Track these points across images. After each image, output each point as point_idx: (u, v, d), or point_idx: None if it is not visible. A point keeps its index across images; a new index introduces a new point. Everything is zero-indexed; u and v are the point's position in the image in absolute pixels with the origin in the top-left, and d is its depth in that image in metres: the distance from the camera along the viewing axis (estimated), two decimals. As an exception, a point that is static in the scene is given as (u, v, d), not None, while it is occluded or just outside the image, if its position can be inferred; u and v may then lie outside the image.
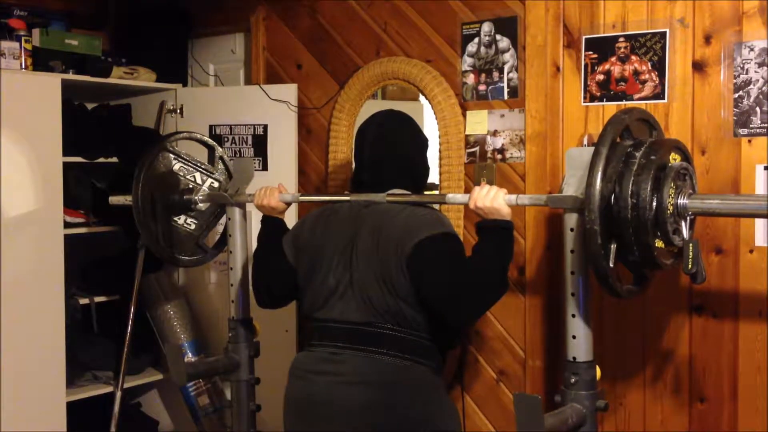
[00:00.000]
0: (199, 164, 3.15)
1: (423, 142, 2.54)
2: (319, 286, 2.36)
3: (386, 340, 2.26)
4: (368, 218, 2.34)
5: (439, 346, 2.34)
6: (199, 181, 3.14)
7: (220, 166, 3.21)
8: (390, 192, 2.39)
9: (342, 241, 2.34)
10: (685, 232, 2.07)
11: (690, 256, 2.02)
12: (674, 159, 2.12)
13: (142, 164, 2.99)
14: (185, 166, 3.12)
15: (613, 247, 2.04)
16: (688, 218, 2.07)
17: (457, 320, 2.25)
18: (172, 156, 3.09)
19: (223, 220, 3.08)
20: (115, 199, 3.18)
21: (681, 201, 2.05)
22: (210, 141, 3.27)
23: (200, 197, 3.09)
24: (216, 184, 3.16)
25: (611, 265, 2.04)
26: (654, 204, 2.01)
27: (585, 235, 2.02)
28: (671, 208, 2.03)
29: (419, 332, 2.28)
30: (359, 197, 2.42)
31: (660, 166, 2.04)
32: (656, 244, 2.04)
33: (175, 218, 3.08)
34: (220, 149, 3.25)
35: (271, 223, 2.62)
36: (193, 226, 3.12)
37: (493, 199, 2.23)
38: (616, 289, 2.09)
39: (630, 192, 2.01)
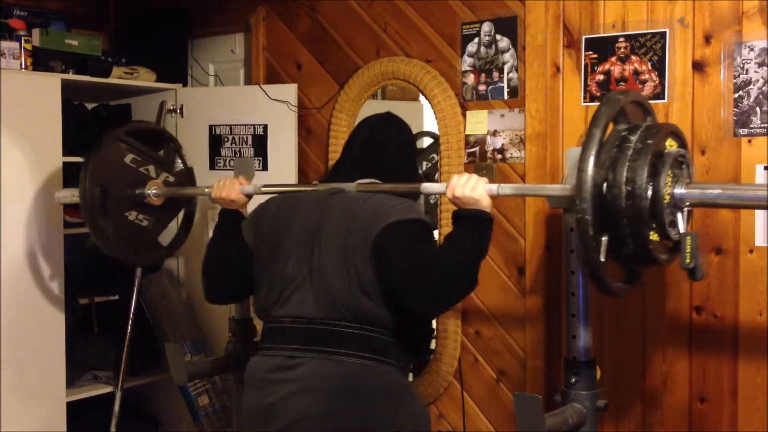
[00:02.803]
0: (153, 156, 2.95)
1: (409, 145, 2.46)
2: (276, 277, 2.19)
3: (346, 339, 2.10)
4: (336, 204, 2.19)
5: (404, 345, 2.18)
6: (153, 174, 2.94)
7: (177, 158, 3.03)
8: (360, 181, 2.26)
9: (306, 228, 2.19)
10: (681, 224, 1.92)
11: (688, 250, 1.89)
12: (671, 145, 1.97)
13: (90, 156, 2.80)
14: (138, 158, 2.91)
15: (604, 239, 1.87)
16: (685, 209, 1.92)
17: (418, 311, 2.08)
18: (124, 147, 2.88)
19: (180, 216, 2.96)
20: (60, 195, 2.97)
21: (678, 190, 1.90)
22: (167, 132, 3.09)
23: (154, 191, 2.90)
24: (172, 179, 2.98)
25: (602, 258, 1.87)
26: (650, 192, 1.85)
27: (576, 225, 1.86)
28: (668, 197, 1.88)
29: (381, 329, 2.12)
30: (327, 186, 2.29)
31: (657, 153, 1.89)
32: (651, 237, 1.89)
33: (126, 213, 2.87)
34: (178, 141, 3.08)
35: (230, 215, 2.45)
36: (145, 222, 2.91)
37: (473, 188, 2.09)
38: (607, 286, 1.95)
39: (625, 179, 1.85)
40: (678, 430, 2.66)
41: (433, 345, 3.31)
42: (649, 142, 1.88)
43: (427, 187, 2.23)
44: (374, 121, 2.48)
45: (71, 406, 3.45)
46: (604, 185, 1.86)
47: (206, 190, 2.64)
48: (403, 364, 2.20)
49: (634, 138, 1.90)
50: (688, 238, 1.89)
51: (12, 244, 3.21)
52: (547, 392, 2.87)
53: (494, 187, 2.11)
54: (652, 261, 1.96)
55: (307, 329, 2.13)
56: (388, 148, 2.37)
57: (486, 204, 2.10)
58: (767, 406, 2.49)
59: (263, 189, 2.47)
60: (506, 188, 2.13)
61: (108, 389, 3.64)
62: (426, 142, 3.70)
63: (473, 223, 2.10)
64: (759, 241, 2.49)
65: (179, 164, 3.05)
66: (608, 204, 1.86)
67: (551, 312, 2.91)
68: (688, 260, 1.89)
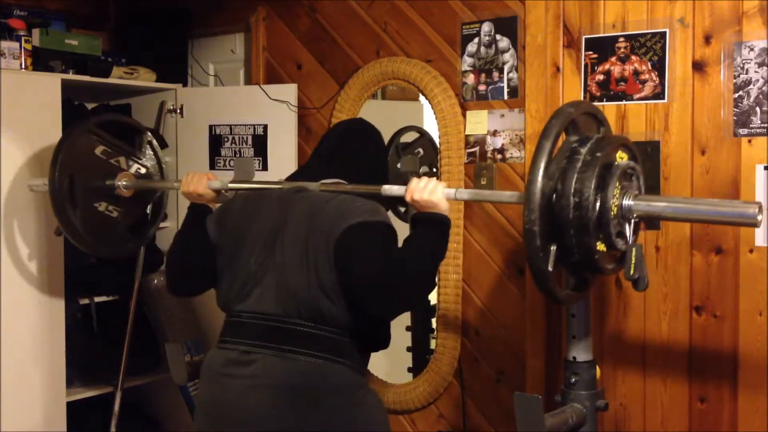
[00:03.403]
0: (124, 148, 2.96)
1: (378, 149, 2.49)
2: (238, 270, 2.22)
3: (300, 338, 2.12)
4: (300, 202, 2.22)
5: (360, 345, 2.20)
6: (123, 165, 2.95)
7: (149, 151, 3.03)
8: (324, 181, 2.29)
9: (269, 224, 2.21)
10: (629, 236, 1.95)
11: (633, 261, 1.92)
12: (621, 158, 2.00)
13: (60, 144, 2.81)
14: (108, 149, 2.91)
15: (553, 248, 1.90)
16: (632, 221, 1.96)
17: (375, 312, 2.09)
18: (95, 138, 2.89)
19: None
20: (33, 183, 2.99)
21: (626, 202, 1.94)
22: (139, 124, 3.08)
23: (123, 183, 2.90)
24: (143, 170, 2.99)
25: (550, 268, 1.90)
26: (597, 204, 1.89)
27: (524, 234, 1.89)
28: (615, 209, 1.91)
29: (337, 329, 2.13)
30: (292, 184, 2.31)
31: (605, 165, 1.92)
32: (598, 247, 1.92)
33: (95, 204, 2.88)
34: (149, 134, 3.09)
35: (198, 210, 2.45)
36: (115, 214, 2.92)
37: (431, 192, 2.12)
38: (554, 294, 1.97)
39: (573, 190, 1.88)
40: (678, 430, 2.66)
41: (433, 345, 3.31)
42: (598, 154, 1.91)
43: (387, 189, 2.24)
44: (345, 125, 2.56)
45: (71, 406, 3.45)
46: (553, 196, 1.89)
47: (175, 183, 2.66)
48: (359, 364, 2.22)
49: (583, 150, 1.92)
50: (633, 249, 1.92)
51: (12, 243, 3.21)
52: (547, 392, 2.87)
53: (452, 192, 2.15)
54: (599, 270, 1.99)
55: (264, 325, 2.15)
56: (356, 151, 2.40)
57: (444, 207, 2.13)
58: (767, 406, 2.49)
59: (230, 185, 2.50)
60: (463, 193, 2.18)
61: (108, 389, 3.64)
62: (411, 137, 3.70)
63: (431, 227, 2.13)
64: (759, 241, 2.50)
65: (152, 156, 3.07)
66: (556, 214, 1.89)
67: (551, 312, 2.91)
68: (632, 271, 1.93)
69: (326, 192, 2.24)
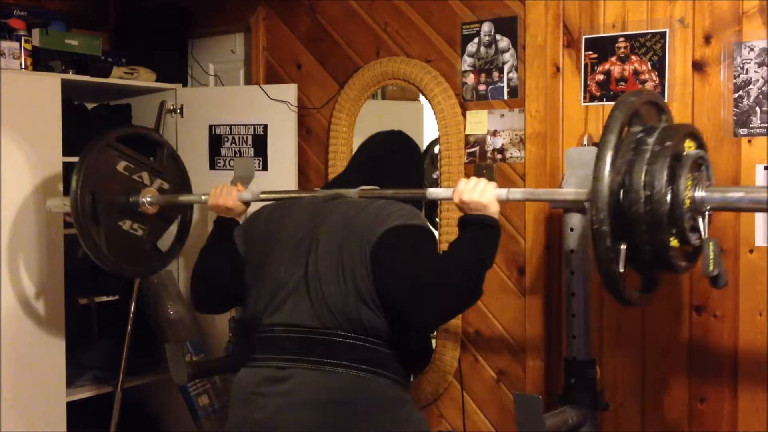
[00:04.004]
0: (147, 163, 2.86)
1: (416, 158, 2.42)
2: (267, 281, 2.09)
3: (339, 350, 1.99)
4: (335, 209, 2.10)
5: (402, 357, 2.07)
6: (147, 181, 2.84)
7: (171, 165, 2.94)
8: (363, 187, 2.20)
9: (300, 232, 2.09)
10: (702, 230, 1.83)
11: (711, 257, 1.79)
12: (689, 147, 1.88)
13: (81, 162, 2.69)
14: (131, 165, 2.80)
15: (623, 248, 1.78)
16: (706, 214, 1.83)
17: (417, 322, 1.95)
18: (116, 153, 2.78)
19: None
20: (51, 203, 2.89)
21: (699, 194, 1.80)
22: (159, 137, 2.99)
23: (148, 199, 2.79)
24: (166, 185, 2.89)
25: (621, 269, 1.78)
26: (669, 197, 1.76)
27: (592, 236, 1.75)
28: (688, 201, 1.78)
29: (378, 340, 2.01)
30: (327, 192, 2.22)
31: (675, 155, 1.79)
32: (671, 243, 1.80)
33: (120, 223, 2.76)
34: (171, 147, 3.01)
35: (225, 224, 2.36)
36: (140, 232, 2.81)
37: (481, 193, 2.00)
38: (626, 297, 1.86)
39: (643, 183, 1.75)
40: (678, 430, 2.66)
41: (433, 345, 3.31)
42: (668, 144, 1.78)
43: (432, 192, 2.15)
44: (383, 135, 2.45)
45: (71, 406, 3.45)
46: (621, 191, 1.77)
47: (203, 197, 2.56)
48: (402, 377, 2.09)
49: (651, 140, 1.80)
50: (711, 244, 1.81)
51: (12, 244, 3.21)
52: (547, 392, 2.87)
53: (503, 192, 2.03)
54: (672, 268, 1.87)
55: (299, 338, 2.03)
56: (393, 159, 2.32)
57: (494, 210, 2.02)
58: (767, 406, 2.49)
59: (262, 195, 2.39)
60: (516, 193, 2.05)
61: (108, 389, 3.64)
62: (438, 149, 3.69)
63: (480, 230, 2.01)
64: (759, 241, 2.49)
65: (174, 170, 2.95)
66: (625, 210, 1.76)
67: (551, 312, 2.91)
68: (711, 267, 1.81)
69: (363, 198, 2.13)
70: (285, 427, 1.99)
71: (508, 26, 3.00)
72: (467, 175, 3.09)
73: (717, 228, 2.55)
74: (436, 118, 3.17)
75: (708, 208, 1.82)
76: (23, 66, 3.37)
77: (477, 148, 3.08)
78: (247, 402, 2.08)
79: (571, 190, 1.99)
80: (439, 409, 3.23)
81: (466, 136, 3.11)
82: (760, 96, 2.48)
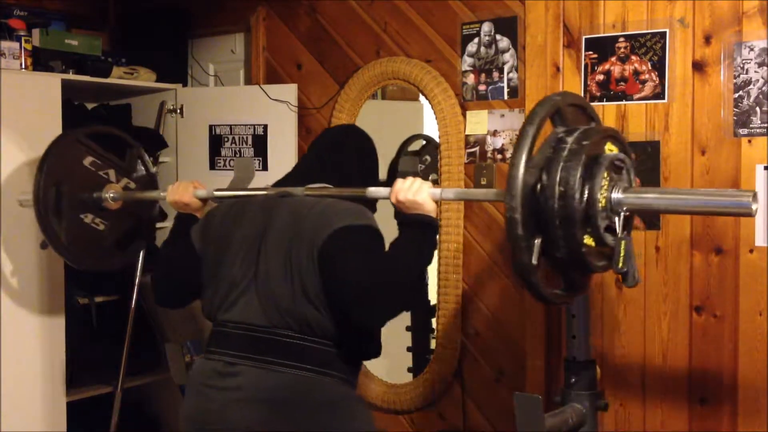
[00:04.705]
0: (114, 162, 2.91)
1: (368, 154, 2.41)
2: (222, 280, 2.15)
3: (286, 349, 2.04)
4: (284, 207, 2.14)
5: (349, 355, 2.11)
6: (113, 178, 2.89)
7: (139, 166, 3.00)
8: (310, 186, 2.23)
9: (252, 231, 2.14)
10: (618, 230, 1.85)
11: (621, 254, 1.83)
12: (610, 150, 1.91)
13: (47, 153, 2.76)
14: (98, 161, 2.85)
15: (537, 241, 1.81)
16: (622, 215, 1.86)
17: (361, 320, 1.99)
18: (84, 148, 2.84)
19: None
20: (22, 198, 2.92)
21: (615, 195, 1.84)
22: (129, 138, 3.05)
23: (111, 194, 2.84)
24: (132, 185, 2.95)
25: (534, 261, 1.80)
26: (585, 195, 1.79)
27: (506, 224, 1.79)
28: (604, 201, 1.82)
29: (324, 339, 2.06)
30: (277, 190, 2.26)
31: (593, 155, 1.83)
32: (585, 241, 1.83)
33: (81, 216, 2.81)
34: (140, 149, 3.06)
35: (184, 220, 2.41)
36: (101, 227, 2.86)
37: (416, 192, 2.04)
38: (539, 290, 1.87)
39: (558, 179, 1.79)
40: (678, 430, 2.66)
41: (432, 344, 3.31)
42: (585, 143, 1.83)
43: (372, 191, 2.18)
44: (335, 131, 2.51)
45: (71, 406, 3.45)
46: (538, 186, 1.81)
47: (162, 194, 2.63)
48: (348, 375, 2.12)
49: (570, 139, 1.84)
50: (623, 242, 1.84)
51: (12, 243, 3.21)
52: (547, 392, 2.87)
53: (437, 192, 2.08)
54: (587, 267, 1.90)
55: (248, 336, 2.09)
56: (345, 156, 2.34)
57: (430, 208, 2.06)
58: (767, 406, 2.49)
59: (216, 193, 2.44)
60: (449, 192, 2.12)
61: (108, 389, 3.64)
62: (419, 145, 3.70)
63: (417, 229, 2.05)
64: (759, 241, 2.50)
65: (142, 171, 3.02)
66: (541, 205, 1.81)
67: (551, 312, 2.91)
68: (620, 264, 1.84)
69: (311, 197, 2.18)
70: (232, 421, 2.05)
71: (508, 26, 3.00)
72: (467, 175, 3.09)
73: (717, 228, 2.56)
74: (436, 118, 3.17)
75: (624, 209, 1.85)
76: (23, 66, 3.37)
77: (477, 148, 3.08)
78: (199, 393, 2.15)
79: (495, 189, 2.04)
80: (439, 409, 3.23)
81: (466, 136, 3.11)
82: (760, 96, 2.48)
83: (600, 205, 1.81)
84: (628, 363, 2.75)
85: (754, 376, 2.52)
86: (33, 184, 2.74)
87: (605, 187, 1.83)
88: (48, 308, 3.33)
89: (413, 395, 3.27)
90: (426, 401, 3.24)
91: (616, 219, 1.85)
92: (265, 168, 3.60)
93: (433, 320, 3.29)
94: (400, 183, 2.08)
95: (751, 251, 2.51)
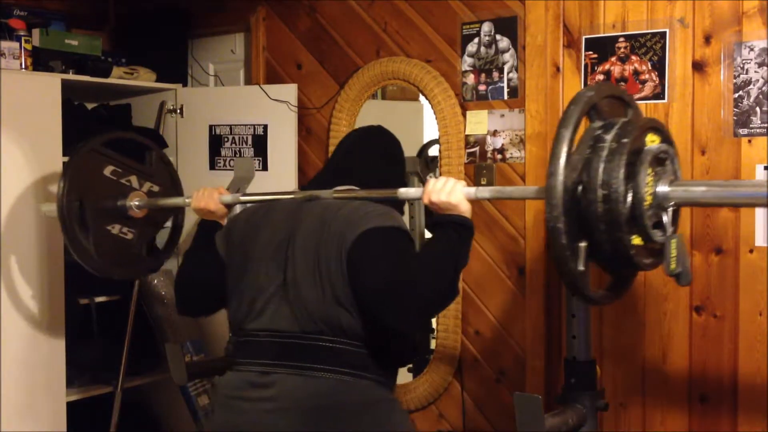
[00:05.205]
0: (135, 167, 2.84)
1: (395, 157, 2.36)
2: (247, 287, 2.09)
3: (321, 354, 1.99)
4: (311, 211, 2.09)
5: (384, 358, 2.05)
6: (135, 185, 2.82)
7: (160, 167, 2.92)
8: (338, 188, 2.17)
9: (278, 236, 2.08)
10: (667, 226, 1.77)
11: (673, 255, 1.74)
12: (652, 141, 1.82)
13: (66, 169, 2.70)
14: (118, 169, 2.79)
15: (582, 246, 1.73)
16: (670, 209, 1.77)
17: (393, 324, 1.93)
18: (102, 157, 2.77)
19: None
20: (46, 209, 2.88)
21: (661, 189, 1.75)
22: (145, 140, 2.99)
23: (135, 203, 2.78)
24: (156, 188, 2.87)
25: (581, 267, 1.73)
26: (629, 195, 1.71)
27: (548, 234, 1.71)
28: (650, 198, 1.73)
29: (358, 342, 2.00)
30: (304, 193, 2.20)
31: (634, 150, 1.74)
32: (633, 242, 1.75)
33: (109, 227, 2.74)
34: (159, 149, 3.00)
35: (207, 226, 2.35)
36: (130, 236, 2.79)
37: (449, 193, 1.97)
38: (587, 295, 1.80)
39: (600, 182, 1.70)
40: (678, 430, 2.66)
41: (433, 345, 3.31)
42: (624, 140, 1.74)
43: (404, 192, 2.13)
44: (361, 132, 2.44)
45: (71, 406, 3.45)
46: (579, 188, 1.73)
47: (186, 200, 2.58)
48: (384, 378, 2.07)
49: (608, 137, 1.76)
50: (673, 242, 1.75)
51: (12, 243, 3.21)
52: (547, 392, 2.87)
53: (472, 191, 2.00)
54: (636, 266, 1.82)
55: (281, 343, 2.03)
56: (372, 158, 2.29)
57: (465, 209, 2.00)
58: (767, 406, 2.49)
59: (242, 198, 2.38)
60: (484, 191, 2.03)
61: (108, 389, 3.64)
62: (435, 150, 3.69)
63: (452, 230, 1.98)
64: (759, 241, 2.50)
65: (165, 172, 2.94)
66: (583, 209, 1.72)
67: (551, 312, 2.91)
68: (673, 266, 1.75)
69: (339, 199, 2.12)
70: None
71: (508, 26, 3.00)
72: (467, 175, 3.09)
73: (717, 227, 2.56)
74: (436, 118, 3.17)
75: (672, 203, 1.77)
76: (23, 66, 3.36)
77: (477, 149, 3.08)
78: (228, 406, 2.09)
79: (534, 187, 1.97)
80: (439, 409, 3.23)
81: (466, 136, 3.11)
82: (760, 96, 2.48)
83: (646, 203, 1.73)
84: (628, 363, 2.75)
85: (754, 375, 2.52)
86: (56, 200, 2.68)
87: (650, 183, 1.74)
88: (48, 308, 3.33)
89: (413, 395, 3.27)
90: (426, 401, 3.24)
91: (664, 215, 1.77)
92: (265, 168, 3.60)
93: (433, 320, 3.29)
94: (432, 183, 2.01)
95: (751, 251, 2.51)
